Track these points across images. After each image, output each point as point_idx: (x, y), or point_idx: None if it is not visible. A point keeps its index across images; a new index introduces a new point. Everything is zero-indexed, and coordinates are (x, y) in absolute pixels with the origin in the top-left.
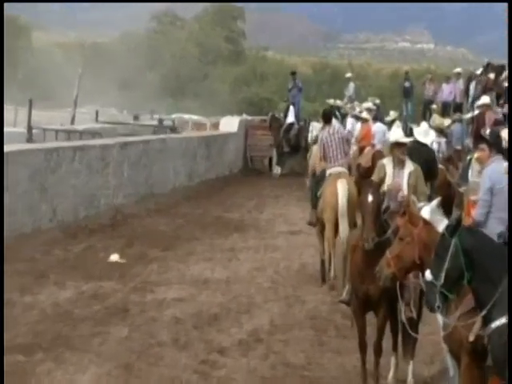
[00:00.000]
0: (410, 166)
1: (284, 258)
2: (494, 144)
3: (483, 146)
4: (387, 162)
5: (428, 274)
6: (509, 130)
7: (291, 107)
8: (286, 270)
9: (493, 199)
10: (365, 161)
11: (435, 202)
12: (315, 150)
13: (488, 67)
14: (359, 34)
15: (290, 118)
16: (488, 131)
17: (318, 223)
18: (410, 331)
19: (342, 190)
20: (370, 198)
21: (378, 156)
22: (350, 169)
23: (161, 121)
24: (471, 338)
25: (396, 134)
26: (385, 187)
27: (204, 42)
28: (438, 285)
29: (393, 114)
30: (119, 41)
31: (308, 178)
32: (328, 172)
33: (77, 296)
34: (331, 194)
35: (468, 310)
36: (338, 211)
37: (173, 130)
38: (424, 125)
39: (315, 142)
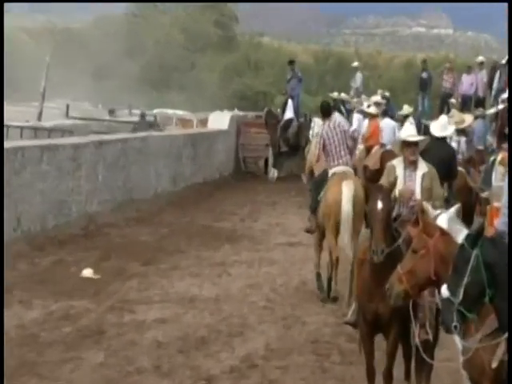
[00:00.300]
0: (423, 167)
1: (281, 273)
2: None
3: (507, 145)
4: (397, 164)
5: (444, 290)
6: (509, 129)
7: (290, 101)
8: (283, 287)
9: None
10: (372, 162)
11: (454, 208)
12: (314, 144)
13: None
14: (367, 17)
15: (289, 114)
16: None
17: (318, 231)
18: (425, 356)
19: (347, 194)
20: (380, 205)
21: (387, 157)
22: (355, 171)
23: (143, 115)
24: (494, 364)
25: (407, 131)
26: (396, 192)
27: (190, 26)
28: (456, 302)
29: (406, 109)
30: (94, 25)
31: (305, 175)
32: (331, 171)
33: (45, 316)
34: (335, 198)
35: (491, 332)
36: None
37: (153, 126)
38: (443, 118)
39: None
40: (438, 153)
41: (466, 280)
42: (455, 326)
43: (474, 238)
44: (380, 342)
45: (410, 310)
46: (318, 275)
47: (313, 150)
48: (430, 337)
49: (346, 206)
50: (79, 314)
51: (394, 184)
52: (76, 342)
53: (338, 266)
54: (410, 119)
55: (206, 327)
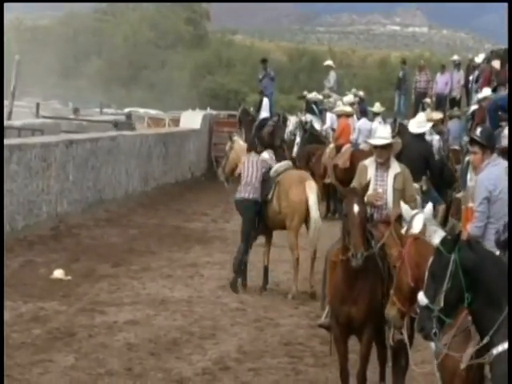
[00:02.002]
0: (395, 168)
1: (255, 275)
2: (487, 145)
3: (475, 148)
4: (369, 164)
5: (422, 298)
6: (509, 129)
7: (265, 100)
8: (256, 288)
9: (491, 208)
10: (342, 161)
11: (428, 209)
12: (239, 144)
13: (492, 54)
14: (341, 15)
15: (264, 113)
16: (479, 130)
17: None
18: (400, 358)
19: (313, 199)
20: (356, 209)
21: (357, 155)
22: (325, 170)
23: (129, 116)
24: (463, 366)
25: (378, 133)
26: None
27: (161, 23)
28: (436, 309)
29: (377, 107)
30: (62, 22)
31: (223, 173)
32: (274, 169)
33: (14, 318)
34: (299, 199)
35: (460, 333)
36: (307, 219)
37: (116, 125)
38: (421, 115)
39: (292, 138)
40: (415, 149)
41: (445, 286)
42: (435, 333)
43: (452, 243)
44: (355, 345)
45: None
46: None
47: (238, 149)
48: (405, 337)
49: (316, 213)
50: (49, 315)
51: (367, 186)
52: (46, 344)
53: (299, 265)
54: (379, 118)
55: (177, 329)
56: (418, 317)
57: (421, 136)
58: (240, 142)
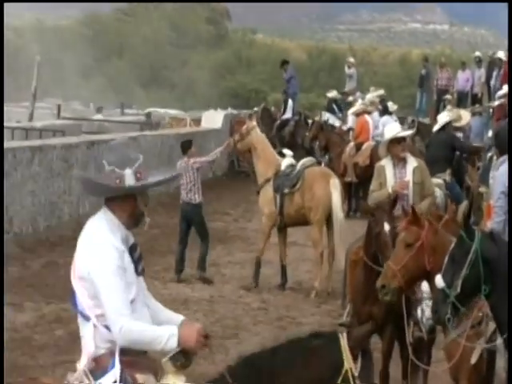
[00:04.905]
0: (412, 162)
1: (276, 273)
2: (501, 144)
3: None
4: (386, 163)
5: (440, 281)
6: (509, 129)
7: (290, 101)
8: (278, 287)
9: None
10: (362, 159)
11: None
12: (256, 133)
13: None
14: (362, 13)
15: (288, 114)
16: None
17: (270, 219)
18: (422, 356)
19: (337, 199)
20: (388, 228)
21: (377, 153)
22: (345, 168)
23: (148, 115)
24: (473, 360)
25: (392, 129)
26: (389, 189)
27: (181, 23)
28: (452, 294)
29: (390, 106)
30: (83, 23)
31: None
32: (301, 162)
33: (36, 320)
34: (325, 192)
35: (473, 326)
36: (330, 215)
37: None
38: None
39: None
40: (437, 139)
41: (463, 273)
42: (448, 319)
43: (475, 232)
44: (376, 343)
45: (403, 307)
46: (258, 262)
47: (254, 137)
48: (424, 334)
49: (340, 214)
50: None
51: (395, 202)
52: (68, 345)
53: (323, 261)
54: (394, 116)
55: None
56: (433, 299)
57: (442, 128)
58: (258, 132)
